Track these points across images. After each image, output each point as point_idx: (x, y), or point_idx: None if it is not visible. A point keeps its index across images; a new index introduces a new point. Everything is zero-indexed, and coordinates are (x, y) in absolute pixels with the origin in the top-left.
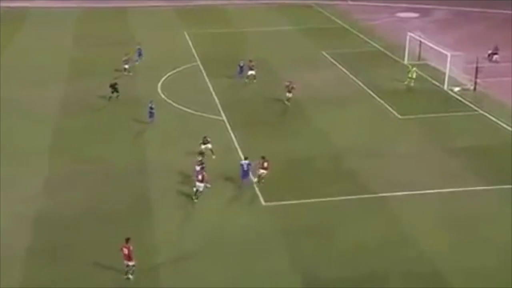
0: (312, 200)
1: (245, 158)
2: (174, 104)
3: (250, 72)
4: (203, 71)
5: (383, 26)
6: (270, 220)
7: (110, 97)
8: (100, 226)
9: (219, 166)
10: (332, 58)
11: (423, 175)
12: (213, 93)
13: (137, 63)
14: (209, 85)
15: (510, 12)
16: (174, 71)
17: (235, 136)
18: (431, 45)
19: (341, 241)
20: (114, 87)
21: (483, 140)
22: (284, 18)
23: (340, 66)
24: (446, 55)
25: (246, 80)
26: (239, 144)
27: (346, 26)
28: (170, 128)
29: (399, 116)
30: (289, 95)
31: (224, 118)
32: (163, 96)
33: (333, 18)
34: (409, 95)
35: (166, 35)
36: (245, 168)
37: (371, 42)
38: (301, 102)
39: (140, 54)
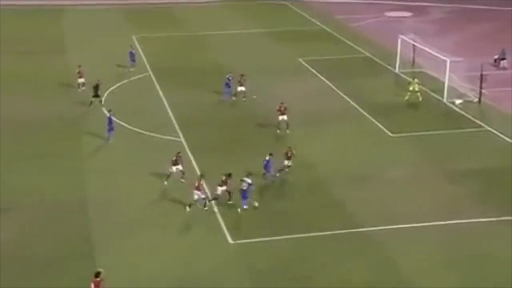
0: (289, 236)
1: (247, 176)
2: (121, 123)
3: (239, 88)
4: (155, 83)
5: (370, 28)
6: (238, 262)
7: (91, 102)
8: (31, 274)
9: (179, 193)
10: (311, 66)
11: (419, 205)
12: (169, 109)
13: (132, 69)
14: (164, 99)
15: None
16: (120, 83)
17: (195, 161)
18: (427, 49)
19: (323, 286)
20: (96, 90)
21: (491, 161)
22: (252, 19)
23: (320, 76)
24: (445, 61)
25: (234, 98)
26: (199, 170)
27: (327, 28)
28: (116, 153)
29: (391, 135)
30: (283, 117)
31: (182, 139)
32: (107, 113)
33: (310, 18)
34: (402, 110)
35: (110, 39)
36: (244, 187)
37: (357, 47)
38: (275, 119)
39: (133, 60)
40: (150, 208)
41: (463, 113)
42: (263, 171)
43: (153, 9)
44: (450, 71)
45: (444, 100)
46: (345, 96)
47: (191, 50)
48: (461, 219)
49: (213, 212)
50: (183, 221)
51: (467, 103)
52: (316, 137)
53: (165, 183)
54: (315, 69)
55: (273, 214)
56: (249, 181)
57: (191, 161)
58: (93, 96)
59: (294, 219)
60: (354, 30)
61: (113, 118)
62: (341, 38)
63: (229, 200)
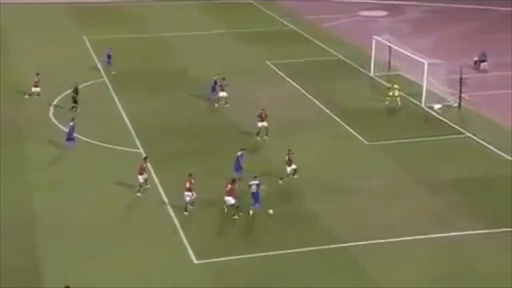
0: (258, 254)
1: (254, 178)
2: (74, 134)
3: (221, 94)
4: (111, 89)
5: (342, 28)
6: (203, 282)
7: (74, 107)
8: None
9: (138, 207)
10: (280, 69)
11: (398, 218)
12: (126, 118)
13: (113, 73)
14: (120, 108)
15: (502, 9)
16: (71, 90)
17: (156, 174)
18: (403, 51)
19: None
20: (75, 95)
21: (472, 170)
22: (216, 20)
23: (290, 80)
24: (423, 64)
25: (216, 105)
26: (161, 184)
27: (296, 29)
28: (69, 166)
29: (366, 143)
30: (263, 124)
31: (141, 150)
32: (57, 124)
33: (279, 18)
34: (377, 116)
35: (58, 41)
36: (253, 190)
37: (328, 49)
38: (241, 127)
39: (109, 60)
40: (108, 226)
41: (442, 118)
42: (233, 168)
43: (106, 7)
44: (428, 74)
45: (422, 105)
46: (316, 102)
47: (151, 53)
48: (443, 232)
49: (177, 231)
50: (144, 239)
51: (446, 108)
52: (287, 146)
53: (138, 194)
54: (284, 73)
55: (242, 229)
56: (257, 181)
57: (151, 174)
58: (74, 102)
59: (264, 235)
60: (326, 30)
61: (74, 128)
62: (312, 39)
63: (235, 215)
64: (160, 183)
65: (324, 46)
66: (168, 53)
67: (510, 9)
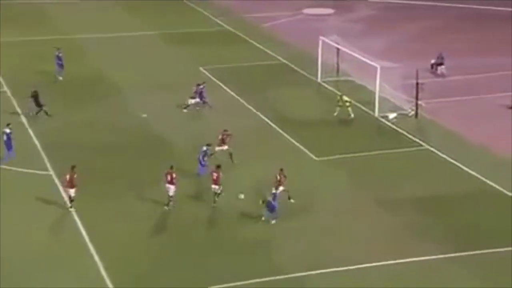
0: None
1: (276, 188)
2: None
3: (190, 101)
4: (14, 102)
5: (285, 28)
6: None
7: (40, 111)
8: None
9: (50, 239)
10: (215, 76)
11: (353, 242)
12: (33, 134)
13: (60, 78)
14: (25, 123)
15: (461, 6)
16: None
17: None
18: (353, 53)
19: None
20: (37, 100)
21: (434, 187)
22: (142, 19)
23: (226, 88)
24: (375, 68)
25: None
26: (78, 216)
27: (233, 29)
28: None
29: (315, 158)
30: (223, 148)
31: (52, 172)
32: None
33: (213, 18)
34: (326, 128)
35: None
36: (272, 202)
37: (269, 52)
38: (169, 139)
39: (60, 65)
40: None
41: (398, 129)
42: (198, 166)
43: (10, 5)
44: (381, 79)
45: (376, 114)
46: (257, 112)
47: (64, 58)
48: (403, 257)
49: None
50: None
51: (402, 117)
52: (225, 163)
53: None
54: (219, 80)
55: (174, 258)
56: (273, 191)
57: (63, 199)
58: (38, 107)
59: (201, 265)
60: (267, 31)
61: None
62: (251, 41)
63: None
64: (77, 212)
65: (265, 49)
66: (83, 58)
67: (469, 6)
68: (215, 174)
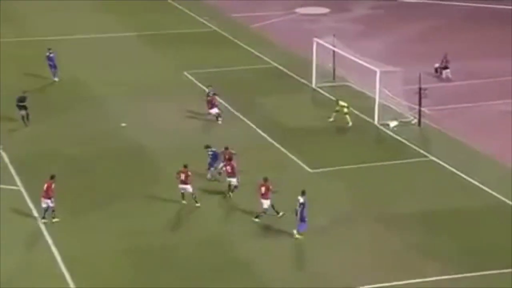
0: None
1: (303, 193)
2: None
3: (212, 111)
4: None
5: (276, 29)
6: None
7: (23, 117)
8: None
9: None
10: (200, 81)
11: (350, 262)
12: None
13: (56, 79)
14: None
15: (466, 4)
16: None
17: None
18: (350, 57)
19: None
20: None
21: (439, 201)
22: (122, 19)
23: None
24: (374, 72)
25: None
26: (49, 233)
27: (220, 31)
28: None
29: (309, 170)
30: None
31: (21, 187)
32: None
33: (198, 18)
34: (322, 137)
35: None
36: (300, 210)
37: (260, 55)
38: (150, 151)
39: (53, 66)
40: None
41: (400, 139)
42: (208, 167)
43: None
44: (381, 85)
45: (375, 122)
46: (247, 121)
47: (33, 62)
48: (405, 279)
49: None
50: None
51: (404, 125)
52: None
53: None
54: (205, 85)
55: (152, 280)
56: (301, 200)
57: (35, 217)
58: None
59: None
60: (256, 32)
61: None
62: (239, 43)
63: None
64: (48, 232)
65: (255, 51)
66: (58, 61)
67: (476, 5)
68: (229, 167)
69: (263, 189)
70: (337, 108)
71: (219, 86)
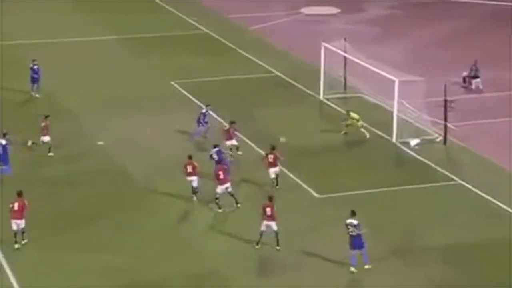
0: None
1: (353, 214)
2: None
3: (229, 142)
4: None
5: (279, 32)
6: None
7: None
8: None
9: None
10: (191, 93)
11: None
12: None
13: (37, 95)
14: None
15: (498, 3)
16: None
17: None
18: (364, 64)
19: None
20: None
21: (468, 232)
22: (100, 21)
23: (206, 109)
24: (392, 82)
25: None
26: (10, 264)
27: (214, 34)
28: None
29: (316, 195)
30: (275, 170)
31: None
32: None
33: (189, 20)
34: (331, 157)
35: None
36: (352, 233)
37: (260, 62)
38: (130, 172)
39: (37, 79)
40: None
41: (421, 159)
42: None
43: None
44: (400, 96)
45: (394, 139)
46: (245, 139)
47: (1, 70)
48: None
49: None
50: None
51: (427, 143)
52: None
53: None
54: (197, 98)
55: None
56: (355, 222)
57: None
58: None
59: None
60: (255, 35)
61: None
62: (237, 48)
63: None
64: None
65: (253, 58)
66: (24, 70)
67: (506, 3)
68: (220, 173)
69: (268, 210)
70: (349, 121)
71: (212, 98)
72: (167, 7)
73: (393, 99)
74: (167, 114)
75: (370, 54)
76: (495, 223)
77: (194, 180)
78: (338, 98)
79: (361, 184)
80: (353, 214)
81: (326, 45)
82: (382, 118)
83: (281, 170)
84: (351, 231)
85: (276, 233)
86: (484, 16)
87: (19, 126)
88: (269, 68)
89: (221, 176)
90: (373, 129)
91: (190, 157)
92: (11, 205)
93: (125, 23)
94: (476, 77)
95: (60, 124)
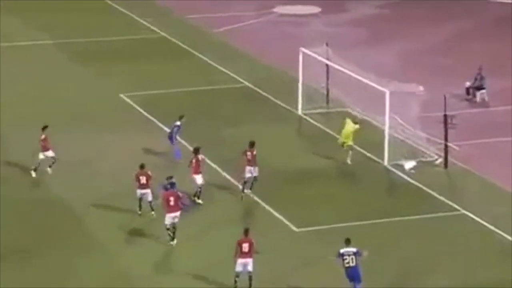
0: None
1: (347, 242)
2: None
3: (247, 171)
4: None
5: (248, 35)
6: None
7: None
8: None
9: None
10: (143, 107)
11: None
12: None
13: None
14: None
15: (507, 1)
16: None
17: None
18: (349, 72)
19: None
20: None
21: (472, 271)
22: (37, 23)
23: (161, 124)
24: (383, 93)
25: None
26: None
27: (171, 37)
28: None
29: (295, 229)
30: (250, 168)
31: None
32: None
33: (142, 21)
34: (312, 184)
35: None
36: (350, 264)
37: (226, 71)
38: (68, 204)
39: None
40: None
41: (418, 185)
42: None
43: None
44: (392, 111)
45: (385, 162)
46: (210, 163)
47: None
48: None
49: None
50: None
51: (424, 166)
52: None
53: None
54: (150, 113)
55: None
56: (354, 249)
57: None
58: None
59: None
60: (221, 39)
61: None
62: (198, 54)
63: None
64: None
65: (219, 66)
66: None
67: None
68: (171, 199)
69: (245, 246)
70: (347, 142)
71: (168, 114)
72: (117, 7)
73: (384, 114)
74: (114, 133)
75: (356, 61)
76: (507, 262)
77: (148, 194)
78: (320, 113)
79: (348, 215)
80: (347, 242)
81: (305, 50)
82: (371, 137)
83: (252, 200)
84: (348, 262)
85: (251, 275)
86: (491, 16)
87: None
88: (237, 78)
89: (172, 203)
90: (361, 150)
91: (142, 167)
92: None
93: (66, 25)
94: (481, 88)
95: None
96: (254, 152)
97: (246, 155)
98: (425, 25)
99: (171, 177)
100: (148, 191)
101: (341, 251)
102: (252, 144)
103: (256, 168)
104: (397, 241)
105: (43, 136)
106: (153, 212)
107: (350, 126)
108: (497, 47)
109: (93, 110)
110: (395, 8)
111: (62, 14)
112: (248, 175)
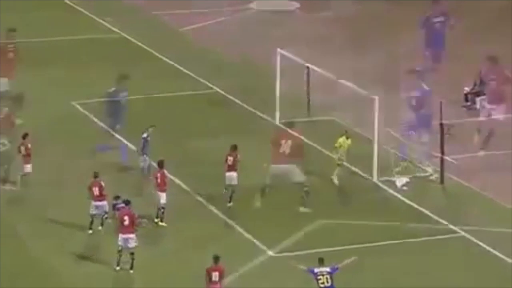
0: None
1: (321, 262)
2: None
3: (226, 178)
4: None
5: (220, 35)
6: None
7: None
8: None
9: None
10: (98, 116)
11: None
12: None
13: None
14: None
15: None
16: None
17: None
18: (332, 76)
19: None
20: None
21: None
22: None
23: (119, 137)
24: (371, 100)
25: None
26: None
27: (132, 39)
28: None
29: (270, 253)
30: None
31: None
32: None
33: (98, 19)
34: (291, 202)
35: None
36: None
37: (194, 75)
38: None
39: None
40: None
41: (412, 204)
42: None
43: None
44: (382, 120)
45: (374, 178)
46: (175, 180)
47: None
48: None
49: None
50: None
51: (418, 183)
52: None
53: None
54: (106, 123)
55: None
56: (328, 269)
57: None
58: None
59: None
60: (189, 39)
61: None
62: (162, 56)
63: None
64: None
65: (185, 70)
66: None
67: None
68: (126, 218)
69: (214, 275)
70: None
71: (129, 124)
72: (72, 4)
73: (372, 123)
74: (64, 147)
75: (340, 63)
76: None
77: (104, 206)
78: (299, 122)
79: (331, 238)
80: (321, 261)
81: (283, 52)
82: (358, 150)
83: (224, 222)
84: (322, 282)
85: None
86: (492, 14)
87: None
88: (206, 83)
89: (126, 223)
90: (346, 164)
91: (96, 176)
92: None
93: (13, 25)
94: (480, 94)
95: None
96: (238, 157)
97: (227, 159)
98: (414, 23)
99: (118, 197)
100: (104, 203)
101: (315, 270)
102: (234, 147)
103: (236, 176)
104: (388, 268)
105: (23, 147)
106: (100, 227)
107: (345, 144)
108: (500, 49)
109: (41, 121)
110: (383, 5)
111: (10, 12)
112: (227, 182)
